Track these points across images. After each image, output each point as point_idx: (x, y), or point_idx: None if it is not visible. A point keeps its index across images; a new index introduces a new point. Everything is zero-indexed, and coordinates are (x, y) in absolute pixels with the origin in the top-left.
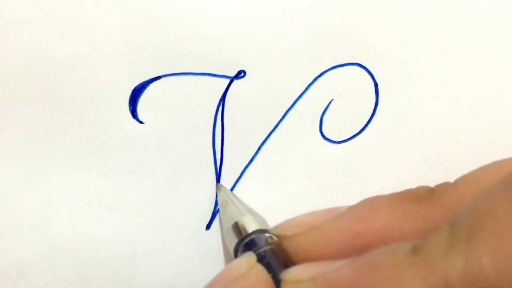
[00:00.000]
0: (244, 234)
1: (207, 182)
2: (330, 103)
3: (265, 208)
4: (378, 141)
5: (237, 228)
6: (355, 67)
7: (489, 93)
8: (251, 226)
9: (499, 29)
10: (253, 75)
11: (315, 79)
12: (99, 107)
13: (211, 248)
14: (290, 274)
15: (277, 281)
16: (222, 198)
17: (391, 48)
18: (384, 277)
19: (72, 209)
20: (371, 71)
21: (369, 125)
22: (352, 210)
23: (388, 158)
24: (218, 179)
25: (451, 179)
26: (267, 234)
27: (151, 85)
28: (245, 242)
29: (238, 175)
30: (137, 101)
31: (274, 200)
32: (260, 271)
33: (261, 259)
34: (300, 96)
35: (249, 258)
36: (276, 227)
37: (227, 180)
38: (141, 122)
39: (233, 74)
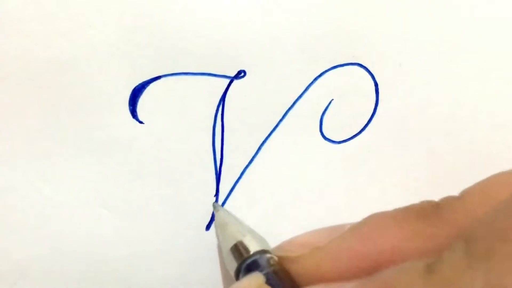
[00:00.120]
0: (245, 255)
1: (207, 182)
2: (330, 103)
3: (265, 208)
4: (378, 141)
5: (238, 248)
6: (355, 67)
7: (489, 93)
8: (252, 246)
9: (499, 29)
10: (253, 75)
11: (315, 79)
12: (99, 107)
13: (211, 248)
14: None
15: None
16: (220, 218)
17: (391, 48)
18: None
19: (72, 209)
20: (371, 71)
21: (369, 125)
22: (357, 229)
23: (388, 158)
24: (218, 179)
25: (451, 179)
26: (268, 255)
27: (151, 85)
28: (248, 263)
29: (238, 175)
30: (137, 101)
31: (274, 200)
32: None
33: (266, 280)
34: (300, 96)
35: (257, 278)
36: (278, 248)
37: (227, 180)
38: (141, 122)
39: (233, 74)
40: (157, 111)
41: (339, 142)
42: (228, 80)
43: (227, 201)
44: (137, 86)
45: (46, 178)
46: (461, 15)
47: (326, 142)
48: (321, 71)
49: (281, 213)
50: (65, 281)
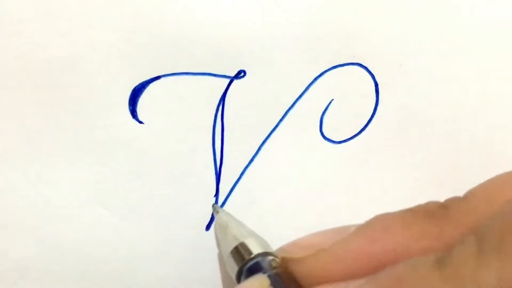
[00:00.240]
0: (247, 257)
1: (207, 182)
2: (330, 103)
3: (265, 208)
4: (378, 141)
5: (239, 250)
6: (355, 67)
7: (489, 93)
8: (255, 248)
9: (499, 29)
10: (253, 75)
11: (315, 79)
12: (99, 107)
13: (211, 248)
14: None
15: None
16: (220, 219)
17: (391, 48)
18: None
19: (72, 209)
20: (371, 71)
21: (369, 125)
22: (362, 229)
23: (388, 158)
24: (218, 179)
25: (451, 179)
26: (271, 257)
27: (151, 85)
28: (249, 265)
29: (238, 175)
30: (137, 101)
31: (274, 200)
32: None
33: (269, 282)
34: (300, 96)
35: (261, 280)
36: (282, 249)
37: (227, 180)
38: (141, 122)
39: (233, 74)
40: (157, 111)
41: (339, 142)
42: (228, 80)
43: (227, 201)
44: (137, 86)
45: (46, 178)
46: (461, 15)
47: (326, 142)
48: (321, 71)
49: (281, 213)
50: (65, 281)
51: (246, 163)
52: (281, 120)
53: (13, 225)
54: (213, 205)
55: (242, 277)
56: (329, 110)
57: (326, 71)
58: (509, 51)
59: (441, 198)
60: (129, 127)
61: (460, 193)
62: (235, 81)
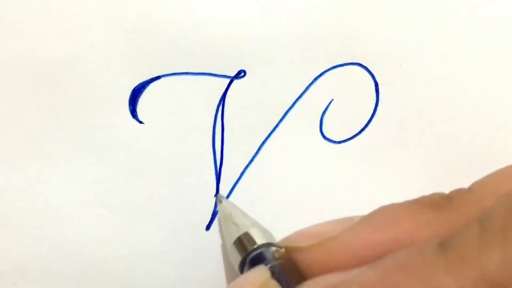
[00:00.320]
0: (250, 247)
1: (207, 182)
2: (330, 103)
3: (265, 208)
4: (378, 141)
5: (242, 241)
6: (355, 67)
7: (489, 93)
8: (258, 239)
9: (499, 29)
10: (253, 75)
11: (315, 79)
12: (99, 107)
13: (211, 249)
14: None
15: None
16: (224, 210)
17: (391, 48)
18: (414, 276)
19: (72, 209)
20: (372, 71)
21: (369, 125)
22: (369, 219)
23: (388, 158)
24: (218, 179)
25: (451, 179)
26: (274, 248)
27: (151, 85)
28: (252, 255)
29: (238, 175)
30: (137, 101)
31: (274, 200)
32: (274, 287)
33: (272, 273)
34: (300, 96)
35: (262, 272)
36: (287, 239)
37: (227, 180)
38: (141, 122)
39: (233, 74)
40: (157, 111)
41: (339, 142)
42: (228, 80)
43: None
44: (137, 86)
45: (46, 178)
46: (461, 15)
47: (326, 142)
48: (321, 71)
49: (281, 213)
50: (65, 281)
51: (246, 163)
52: (281, 120)
53: (13, 225)
54: (217, 196)
55: (245, 268)
56: (329, 110)
57: (326, 71)
58: (509, 51)
59: None
60: (129, 127)
61: None
62: (235, 81)
